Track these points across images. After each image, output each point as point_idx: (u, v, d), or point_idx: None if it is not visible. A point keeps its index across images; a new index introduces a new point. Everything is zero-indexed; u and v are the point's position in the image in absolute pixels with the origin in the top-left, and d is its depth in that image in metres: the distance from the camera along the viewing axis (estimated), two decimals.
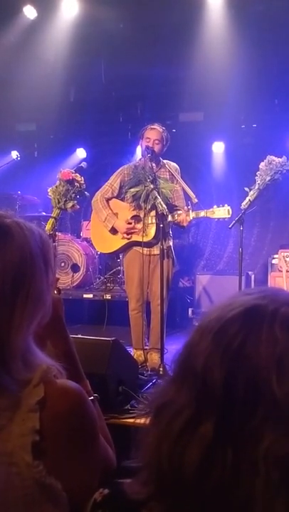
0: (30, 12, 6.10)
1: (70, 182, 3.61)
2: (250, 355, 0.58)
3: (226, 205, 3.58)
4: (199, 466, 0.58)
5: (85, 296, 5.62)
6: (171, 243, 3.78)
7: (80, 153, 7.25)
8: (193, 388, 0.61)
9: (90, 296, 5.60)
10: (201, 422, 0.59)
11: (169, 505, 0.61)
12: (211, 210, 3.60)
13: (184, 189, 3.77)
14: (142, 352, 3.67)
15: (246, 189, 3.72)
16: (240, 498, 0.56)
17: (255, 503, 0.55)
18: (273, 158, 3.68)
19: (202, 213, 3.61)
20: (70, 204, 3.61)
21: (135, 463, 0.66)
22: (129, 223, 3.72)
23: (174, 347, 3.76)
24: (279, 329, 0.59)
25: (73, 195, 3.62)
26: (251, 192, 3.67)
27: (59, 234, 5.55)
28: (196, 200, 3.62)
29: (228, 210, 3.55)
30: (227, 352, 0.59)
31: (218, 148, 6.95)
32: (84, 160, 6.69)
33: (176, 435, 0.60)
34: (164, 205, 3.47)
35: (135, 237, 3.71)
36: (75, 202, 3.68)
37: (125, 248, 3.80)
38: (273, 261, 5.45)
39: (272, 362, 0.57)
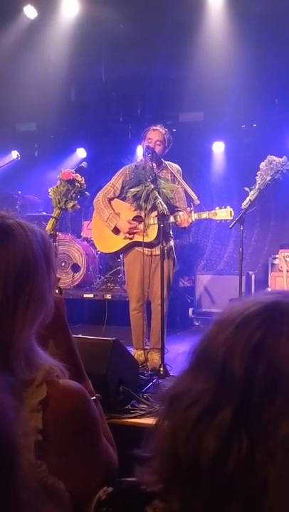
0: (30, 12, 6.11)
1: (71, 182, 3.61)
2: (270, 349, 0.60)
3: (228, 206, 3.59)
4: (216, 453, 0.58)
5: (85, 295, 5.62)
6: (172, 243, 3.79)
7: (80, 153, 7.25)
8: (212, 377, 0.62)
9: (91, 295, 5.60)
10: (219, 409, 0.59)
11: (182, 493, 0.61)
12: (213, 211, 3.61)
13: (185, 190, 3.77)
14: (142, 352, 3.67)
15: (246, 189, 3.73)
16: (253, 486, 0.57)
17: (269, 492, 0.56)
18: (274, 158, 3.68)
19: (204, 215, 3.62)
20: (70, 204, 3.61)
21: (145, 452, 0.66)
22: (132, 223, 3.72)
23: (174, 347, 3.76)
24: None
25: (74, 195, 3.63)
26: (251, 192, 3.67)
27: (59, 234, 5.56)
28: (198, 202, 3.62)
29: (231, 211, 3.56)
30: (248, 343, 0.61)
31: (218, 148, 6.95)
32: (84, 160, 6.70)
33: (193, 422, 0.61)
34: (164, 205, 3.47)
35: (137, 238, 3.71)
36: (76, 202, 3.68)
37: (127, 248, 3.81)
38: (274, 261, 5.46)
39: None
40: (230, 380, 0.60)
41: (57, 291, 1.16)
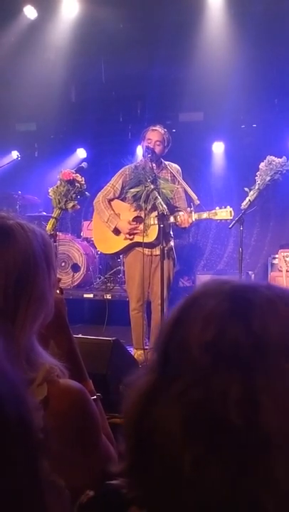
0: (30, 12, 6.11)
1: (71, 182, 3.62)
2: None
3: (228, 206, 3.61)
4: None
5: (85, 295, 5.62)
6: (172, 243, 3.79)
7: (80, 153, 7.26)
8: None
9: (91, 295, 5.61)
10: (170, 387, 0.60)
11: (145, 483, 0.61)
12: (213, 211, 3.62)
13: (185, 190, 3.78)
14: (142, 352, 3.68)
15: (246, 189, 3.74)
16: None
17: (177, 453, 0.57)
18: (273, 158, 3.69)
19: (204, 215, 3.63)
20: (70, 204, 3.62)
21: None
22: (132, 224, 3.73)
23: None
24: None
25: (74, 196, 3.64)
26: (251, 192, 3.68)
27: (59, 234, 5.56)
28: (198, 202, 3.64)
29: (230, 211, 3.57)
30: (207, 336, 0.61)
31: (218, 148, 6.96)
32: (84, 160, 6.70)
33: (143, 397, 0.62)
34: (164, 205, 3.48)
35: (138, 238, 3.72)
36: (76, 202, 3.70)
37: (127, 249, 3.82)
38: (273, 261, 5.47)
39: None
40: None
41: (58, 291, 1.17)
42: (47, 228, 3.57)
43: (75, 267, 5.96)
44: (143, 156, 3.82)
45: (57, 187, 3.65)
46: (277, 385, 0.56)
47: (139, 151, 4.86)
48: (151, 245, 3.70)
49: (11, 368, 0.54)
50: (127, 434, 0.63)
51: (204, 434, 0.56)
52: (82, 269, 5.94)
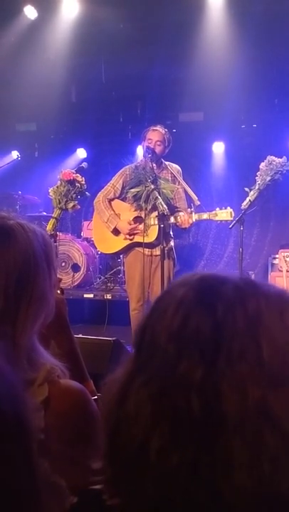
0: (30, 12, 6.11)
1: (71, 182, 3.62)
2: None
3: (228, 207, 3.61)
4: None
5: (85, 295, 5.63)
6: (172, 243, 3.80)
7: (81, 153, 7.26)
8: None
9: (91, 295, 5.61)
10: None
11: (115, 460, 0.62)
12: (213, 212, 3.62)
13: (186, 191, 3.78)
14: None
15: (246, 189, 3.74)
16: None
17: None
18: (273, 158, 3.69)
19: (205, 216, 3.63)
20: (71, 204, 3.63)
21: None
22: (132, 224, 3.73)
23: None
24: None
25: (74, 196, 3.64)
26: (251, 192, 3.68)
27: (60, 234, 5.56)
28: (198, 203, 3.64)
29: (231, 212, 3.58)
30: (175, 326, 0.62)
31: (218, 148, 6.96)
32: (84, 160, 6.70)
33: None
34: (164, 206, 3.48)
35: (137, 238, 3.72)
36: (76, 202, 3.70)
37: (127, 249, 3.82)
38: (273, 261, 5.47)
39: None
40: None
41: (58, 291, 1.17)
42: (47, 228, 3.57)
43: (75, 267, 5.96)
44: (143, 156, 3.82)
45: (57, 187, 3.65)
46: (238, 373, 0.56)
47: (140, 151, 4.86)
48: (151, 245, 3.71)
49: (9, 369, 0.54)
50: (104, 425, 0.64)
51: (168, 421, 0.56)
52: (82, 269, 5.94)
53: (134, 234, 3.75)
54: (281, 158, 3.70)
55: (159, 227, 3.52)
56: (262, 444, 0.54)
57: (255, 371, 0.56)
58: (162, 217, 3.47)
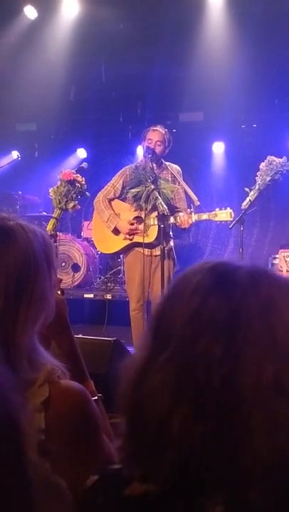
0: (30, 12, 6.11)
1: (71, 182, 3.63)
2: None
3: (228, 208, 3.61)
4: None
5: (85, 295, 5.63)
6: (172, 244, 3.80)
7: (81, 153, 7.26)
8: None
9: (91, 295, 5.61)
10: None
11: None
12: (213, 212, 3.62)
13: (186, 191, 3.78)
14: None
15: (246, 189, 3.74)
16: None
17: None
18: (273, 158, 3.70)
19: (204, 216, 3.63)
20: (71, 204, 3.63)
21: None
22: (132, 224, 3.73)
23: None
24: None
25: (74, 196, 3.64)
26: (251, 192, 3.68)
27: (60, 234, 5.56)
28: (198, 203, 3.64)
29: (231, 213, 3.58)
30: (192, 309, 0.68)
31: (218, 148, 6.96)
32: (84, 160, 6.70)
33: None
34: (164, 206, 3.48)
35: (137, 238, 3.72)
36: (76, 202, 3.70)
37: (127, 249, 3.82)
38: (274, 261, 5.47)
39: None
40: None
41: (59, 292, 1.17)
42: (47, 228, 3.57)
43: (76, 267, 5.96)
44: (144, 156, 3.82)
45: (57, 187, 3.65)
46: (253, 352, 0.62)
47: (140, 151, 4.86)
48: (151, 245, 3.71)
49: (1, 371, 0.55)
50: (122, 406, 0.69)
51: (190, 397, 0.62)
52: (82, 269, 5.94)
53: (134, 234, 3.75)
54: (281, 158, 3.70)
55: (159, 227, 3.52)
56: (277, 415, 0.60)
57: (269, 350, 0.62)
58: (162, 218, 3.47)
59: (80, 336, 2.44)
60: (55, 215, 3.65)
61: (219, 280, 0.67)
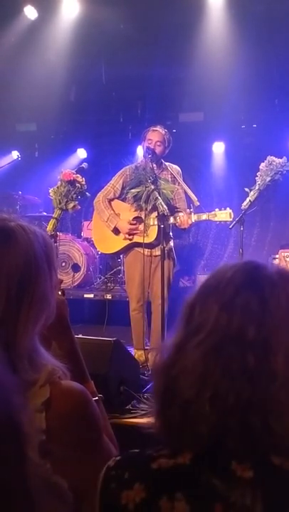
0: (30, 12, 6.11)
1: (72, 183, 3.63)
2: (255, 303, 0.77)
3: (227, 208, 3.61)
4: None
5: (85, 295, 5.63)
6: (172, 244, 3.80)
7: (81, 153, 7.26)
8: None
9: (91, 295, 5.61)
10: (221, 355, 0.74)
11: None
12: (212, 213, 3.62)
13: (185, 192, 3.78)
14: (142, 352, 3.68)
15: (246, 190, 3.73)
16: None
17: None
18: (273, 158, 3.69)
19: (204, 216, 3.63)
20: (71, 204, 3.63)
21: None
22: (132, 224, 3.74)
23: None
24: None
25: (74, 196, 3.64)
26: (251, 193, 3.68)
27: (60, 234, 5.56)
28: (198, 203, 3.64)
29: (230, 213, 3.58)
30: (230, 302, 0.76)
31: (218, 148, 6.95)
32: (84, 160, 6.70)
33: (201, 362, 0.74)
34: (164, 206, 3.49)
35: (137, 238, 3.72)
36: (76, 202, 3.70)
37: (127, 249, 3.82)
38: (274, 261, 5.47)
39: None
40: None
41: (60, 292, 1.18)
42: (47, 229, 3.57)
43: (76, 267, 5.96)
44: (144, 156, 3.82)
45: (57, 187, 3.65)
46: (284, 332, 0.70)
47: (140, 151, 4.86)
48: (150, 245, 3.71)
49: (3, 372, 0.56)
50: (155, 383, 0.76)
51: (222, 371, 0.69)
52: (82, 269, 5.95)
53: (133, 234, 3.75)
54: (281, 158, 3.70)
55: (159, 227, 3.52)
56: None
57: None
58: (162, 218, 3.48)
59: (80, 336, 2.44)
60: (55, 215, 3.64)
61: (252, 274, 0.76)
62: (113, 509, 0.73)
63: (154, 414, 0.75)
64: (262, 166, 3.70)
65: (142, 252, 3.70)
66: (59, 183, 3.66)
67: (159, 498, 0.70)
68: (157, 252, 3.63)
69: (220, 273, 0.78)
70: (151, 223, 3.66)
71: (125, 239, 3.78)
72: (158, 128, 3.75)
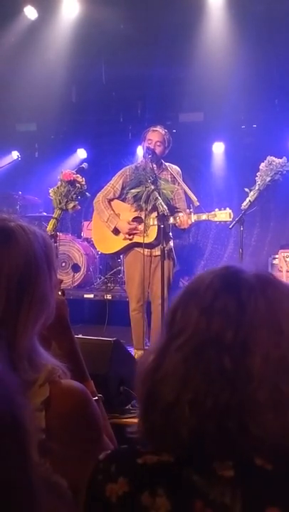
0: (30, 13, 6.11)
1: (72, 183, 3.63)
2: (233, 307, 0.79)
3: (227, 208, 3.61)
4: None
5: (85, 296, 5.63)
6: (171, 244, 3.80)
7: (81, 153, 7.26)
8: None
9: (91, 296, 5.61)
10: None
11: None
12: (212, 213, 3.62)
13: (185, 192, 3.79)
14: (142, 352, 3.68)
15: (246, 190, 3.74)
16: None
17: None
18: (273, 158, 3.70)
19: (204, 216, 3.63)
20: (71, 205, 3.63)
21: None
22: (132, 224, 3.74)
23: None
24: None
25: (74, 196, 3.64)
26: (251, 193, 3.68)
27: (60, 234, 5.56)
28: (197, 204, 3.64)
29: (230, 213, 3.58)
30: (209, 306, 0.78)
31: (218, 148, 6.95)
32: (84, 160, 6.70)
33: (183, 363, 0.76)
34: (164, 206, 3.49)
35: (137, 238, 3.73)
36: (76, 202, 3.70)
37: (127, 249, 3.82)
38: (274, 261, 5.47)
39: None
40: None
41: (60, 292, 1.18)
42: (47, 229, 3.57)
43: (76, 267, 5.96)
44: (143, 156, 3.82)
45: (57, 187, 3.65)
46: (260, 338, 0.72)
47: (140, 151, 4.86)
48: (150, 245, 3.71)
49: (5, 370, 0.56)
50: (139, 388, 0.78)
51: (201, 375, 0.71)
52: (82, 269, 5.95)
53: (133, 234, 3.75)
54: (281, 158, 3.70)
55: (159, 227, 3.52)
56: (282, 392, 0.70)
57: (275, 337, 0.72)
58: (162, 218, 3.48)
59: (80, 336, 2.44)
60: (55, 215, 3.65)
61: (230, 279, 0.78)
62: (97, 500, 0.75)
63: (139, 419, 0.77)
64: (262, 166, 3.71)
65: (141, 252, 3.70)
66: (59, 183, 3.66)
67: (141, 492, 0.71)
68: (157, 252, 3.64)
69: (200, 278, 0.80)
70: (151, 223, 3.66)
71: (125, 239, 3.78)
72: (158, 128, 3.75)
